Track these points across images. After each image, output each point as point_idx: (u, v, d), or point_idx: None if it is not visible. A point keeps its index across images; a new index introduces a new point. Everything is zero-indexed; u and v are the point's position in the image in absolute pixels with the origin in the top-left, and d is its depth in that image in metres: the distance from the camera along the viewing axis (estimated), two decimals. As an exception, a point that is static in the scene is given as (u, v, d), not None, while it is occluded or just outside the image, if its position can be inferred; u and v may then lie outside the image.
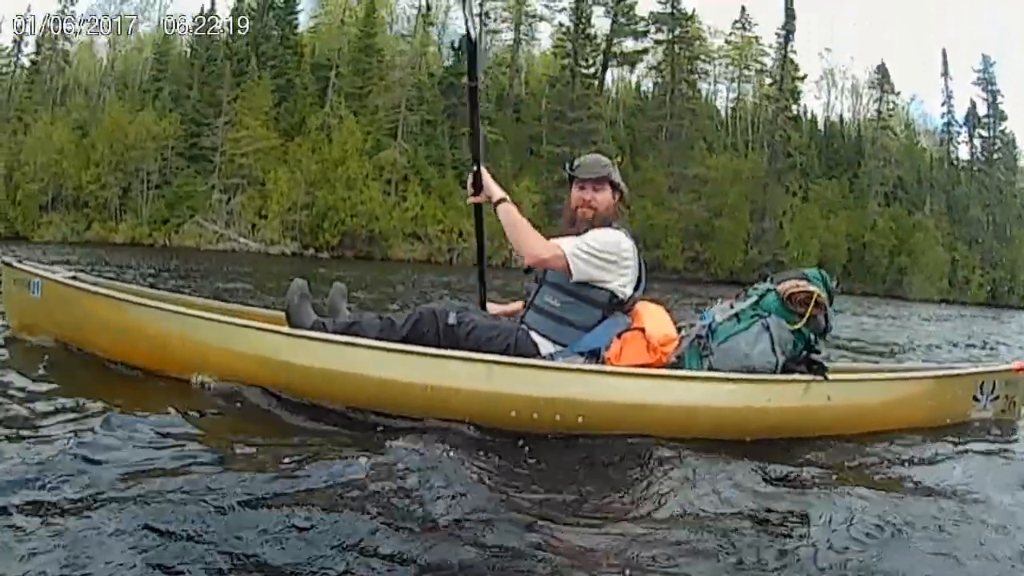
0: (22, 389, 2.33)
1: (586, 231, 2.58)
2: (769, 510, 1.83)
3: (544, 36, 38.14)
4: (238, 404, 2.42)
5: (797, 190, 32.23)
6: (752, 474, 2.12)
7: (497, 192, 2.64)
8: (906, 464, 2.38)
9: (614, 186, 2.65)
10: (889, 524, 1.75)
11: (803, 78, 33.52)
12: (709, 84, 40.46)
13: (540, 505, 1.77)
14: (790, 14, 33.15)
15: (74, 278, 2.97)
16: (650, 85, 39.41)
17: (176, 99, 32.50)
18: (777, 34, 33.72)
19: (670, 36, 33.19)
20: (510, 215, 2.59)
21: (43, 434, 1.90)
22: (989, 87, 42.33)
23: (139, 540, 1.36)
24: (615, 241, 2.55)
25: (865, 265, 35.59)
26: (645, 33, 35.26)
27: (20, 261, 3.01)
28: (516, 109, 33.13)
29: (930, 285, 34.56)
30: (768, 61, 39.14)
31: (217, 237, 27.64)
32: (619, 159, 2.76)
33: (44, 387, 2.37)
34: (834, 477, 2.15)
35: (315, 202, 26.88)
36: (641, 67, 39.04)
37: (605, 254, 2.51)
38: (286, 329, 2.54)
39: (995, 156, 41.90)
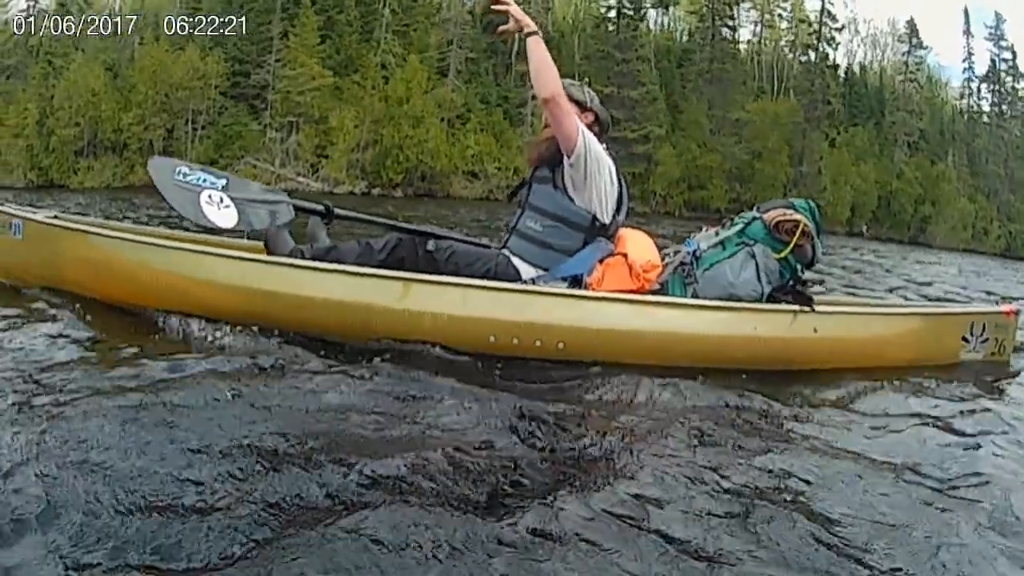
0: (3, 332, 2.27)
1: (552, 154, 2.55)
2: (748, 448, 1.80)
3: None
4: (213, 336, 2.37)
5: (835, 137, 33.30)
6: (733, 406, 2.11)
7: (530, 23, 2.53)
8: (891, 403, 2.33)
9: (581, 106, 2.60)
10: (868, 468, 1.72)
11: (841, 29, 34.43)
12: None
13: (513, 437, 1.74)
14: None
15: (55, 217, 2.93)
16: (684, 28, 40.08)
17: (215, 36, 31.96)
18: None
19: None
20: (539, 50, 2.48)
21: (14, 381, 1.83)
22: (1000, 42, 43.41)
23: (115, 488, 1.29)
24: (599, 148, 2.51)
25: (891, 212, 36.78)
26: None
27: (0, 203, 2.97)
28: (556, 48, 33.67)
29: (954, 234, 35.89)
30: (787, 6, 40.03)
31: (275, 177, 27.30)
32: (587, 80, 2.70)
33: (26, 330, 2.30)
34: (816, 413, 2.13)
35: (380, 140, 26.72)
36: (674, 10, 39.64)
37: (595, 153, 2.48)
38: (257, 255, 2.51)
39: (1012, 111, 43.16)
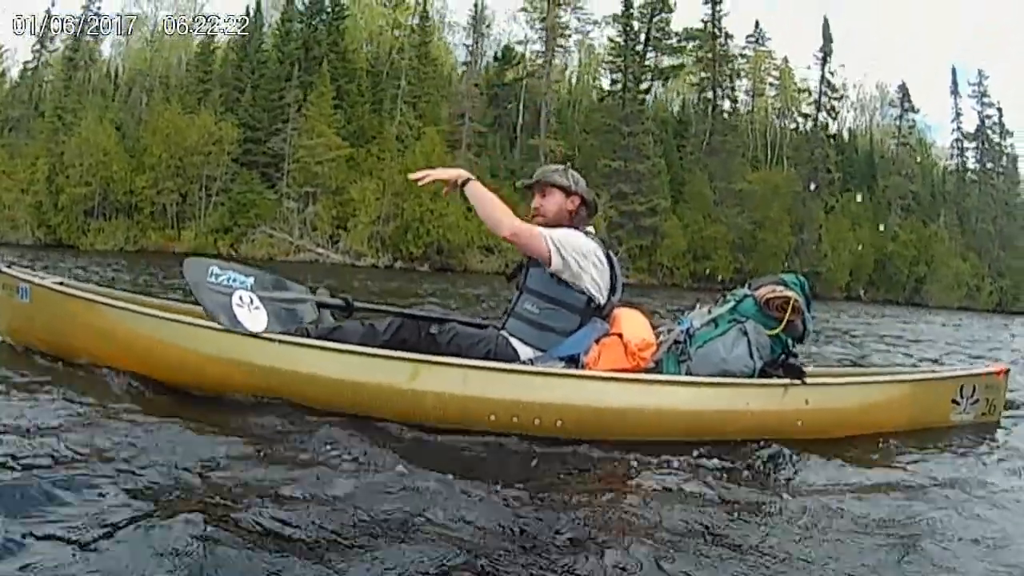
0: (7, 395, 2.32)
1: None
2: (745, 517, 1.85)
3: (572, 51, 39.62)
4: (222, 410, 2.43)
5: (835, 204, 34.56)
6: (729, 479, 2.16)
7: (462, 173, 2.63)
8: (882, 468, 2.40)
9: (565, 191, 2.68)
10: (860, 530, 1.78)
11: (840, 98, 35.97)
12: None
13: (518, 510, 1.80)
14: (827, 37, 35.22)
15: (61, 283, 2.98)
16: (683, 101, 41.33)
17: (226, 102, 32.15)
18: (815, 56, 35.96)
19: (710, 53, 35.14)
20: (478, 192, 2.58)
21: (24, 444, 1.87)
22: (983, 99, 45.08)
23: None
24: (578, 241, 2.58)
25: (887, 275, 37.93)
26: (681, 50, 37.09)
27: (9, 266, 3.04)
28: (562, 122, 34.65)
29: (949, 293, 37.03)
30: (776, 74, 41.50)
31: (294, 248, 27.77)
32: (569, 164, 2.83)
33: (28, 395, 2.37)
34: (811, 482, 2.19)
35: (401, 214, 27.08)
36: (673, 83, 40.88)
37: (574, 252, 2.55)
38: (266, 334, 2.54)
39: (999, 169, 44.76)
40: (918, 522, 1.88)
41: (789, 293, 2.67)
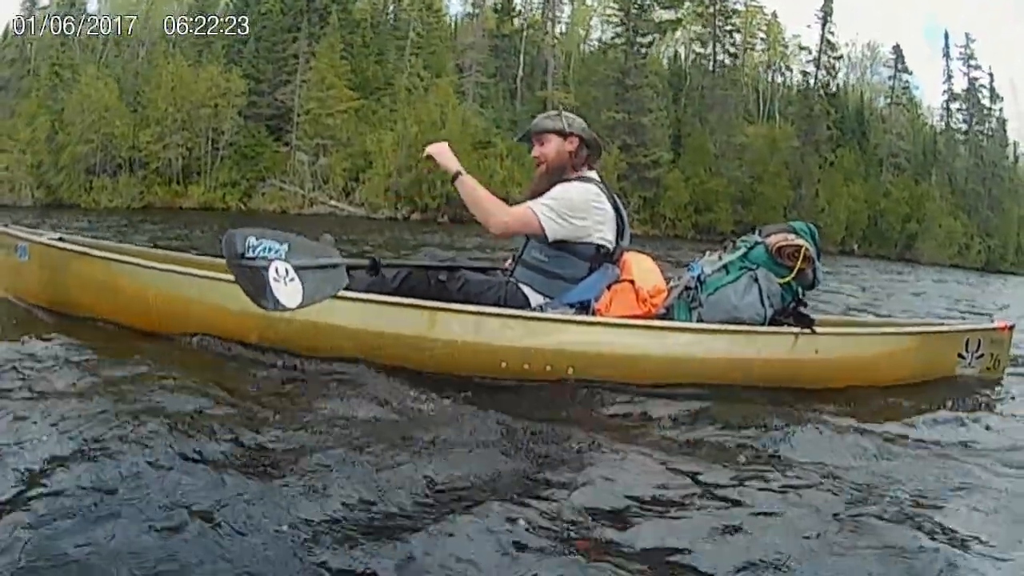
0: (11, 354, 2.27)
1: (546, 188, 2.59)
2: (750, 466, 1.85)
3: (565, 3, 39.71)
4: (223, 361, 2.40)
5: (834, 160, 35.65)
6: (736, 425, 2.18)
7: (452, 165, 2.59)
8: (887, 419, 2.39)
9: (561, 134, 2.64)
10: (864, 481, 1.79)
11: (839, 58, 36.95)
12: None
13: (526, 458, 1.80)
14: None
15: (60, 239, 2.95)
16: (675, 54, 41.97)
17: (228, 54, 31.53)
18: (816, 15, 36.92)
19: (711, 8, 35.81)
20: (467, 187, 2.56)
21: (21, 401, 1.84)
22: (969, 62, 46.19)
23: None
24: (577, 196, 2.54)
25: (879, 231, 39.22)
26: (679, 3, 37.64)
27: (5, 225, 3.02)
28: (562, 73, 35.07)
29: (939, 251, 38.38)
30: (766, 28, 42.22)
31: (307, 201, 27.67)
32: (562, 108, 2.79)
33: (31, 350, 2.32)
34: (818, 430, 2.19)
35: (415, 165, 26.47)
36: (668, 37, 41.42)
37: (570, 212, 2.51)
38: None
39: (988, 132, 46.07)
40: (921, 477, 1.90)
41: (801, 241, 2.66)
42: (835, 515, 1.62)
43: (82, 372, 2.20)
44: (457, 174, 2.58)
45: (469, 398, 2.27)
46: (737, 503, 1.66)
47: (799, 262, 2.64)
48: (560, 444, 1.97)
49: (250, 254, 2.41)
